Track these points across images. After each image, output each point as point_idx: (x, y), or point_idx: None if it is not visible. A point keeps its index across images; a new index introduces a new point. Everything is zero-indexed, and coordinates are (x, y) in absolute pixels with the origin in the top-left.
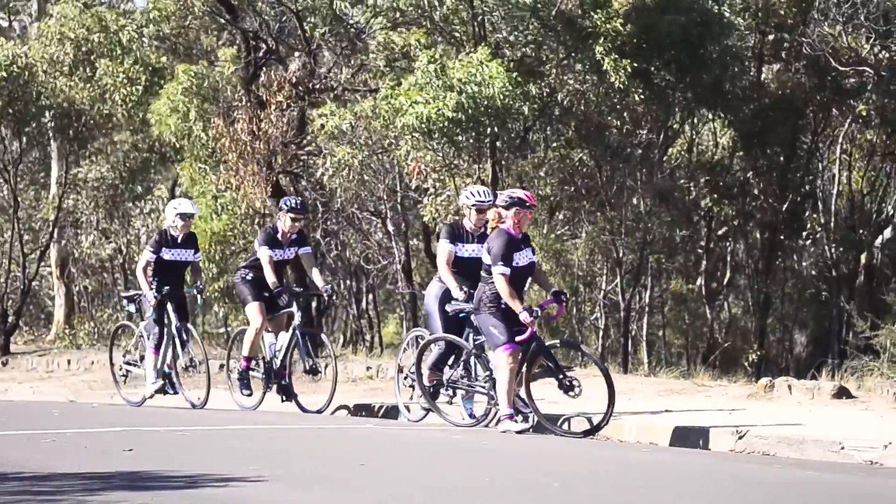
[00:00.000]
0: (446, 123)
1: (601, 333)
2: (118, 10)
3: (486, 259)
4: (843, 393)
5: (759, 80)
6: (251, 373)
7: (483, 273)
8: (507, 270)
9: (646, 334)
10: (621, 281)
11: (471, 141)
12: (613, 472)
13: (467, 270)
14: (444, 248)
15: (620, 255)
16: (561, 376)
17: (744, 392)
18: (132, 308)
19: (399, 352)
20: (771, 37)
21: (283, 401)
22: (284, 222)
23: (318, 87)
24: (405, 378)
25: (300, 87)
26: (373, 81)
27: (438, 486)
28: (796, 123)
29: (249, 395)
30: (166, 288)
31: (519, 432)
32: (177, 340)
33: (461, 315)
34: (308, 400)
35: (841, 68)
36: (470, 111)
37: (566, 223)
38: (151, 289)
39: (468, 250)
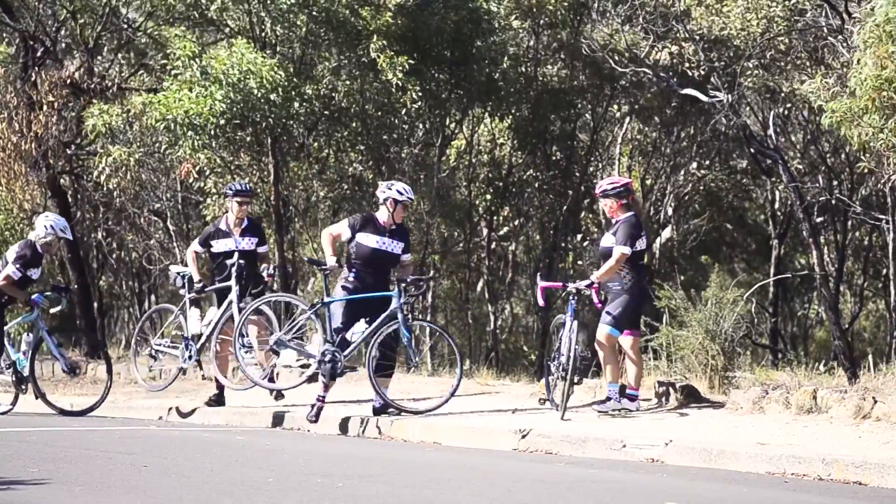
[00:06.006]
0: (219, 120)
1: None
2: None
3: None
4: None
5: (534, 76)
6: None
7: None
8: None
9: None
10: None
11: (248, 139)
12: (396, 471)
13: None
14: (338, 226)
15: None
16: None
17: (526, 391)
18: None
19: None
20: (546, 36)
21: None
22: (232, 207)
23: (94, 87)
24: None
25: (77, 87)
26: (150, 79)
27: (217, 487)
28: (574, 121)
29: None
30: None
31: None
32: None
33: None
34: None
35: (620, 69)
36: (241, 105)
37: None
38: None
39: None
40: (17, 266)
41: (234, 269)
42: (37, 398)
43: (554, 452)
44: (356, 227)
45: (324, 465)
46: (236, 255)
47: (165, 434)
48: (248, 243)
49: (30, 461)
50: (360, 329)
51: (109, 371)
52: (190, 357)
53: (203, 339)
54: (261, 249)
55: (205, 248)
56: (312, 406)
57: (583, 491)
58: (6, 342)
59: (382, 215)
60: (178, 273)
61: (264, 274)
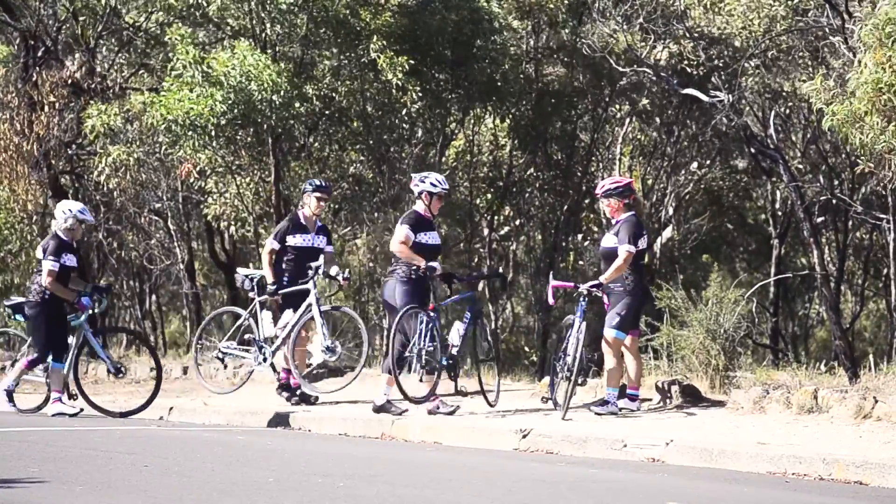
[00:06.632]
0: (220, 121)
1: (385, 334)
2: None
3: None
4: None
5: (535, 76)
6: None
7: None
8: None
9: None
10: None
11: (249, 139)
12: (397, 471)
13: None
14: (402, 232)
15: None
16: None
17: (527, 391)
18: (20, 317)
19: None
20: (546, 36)
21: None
22: (310, 204)
23: (94, 86)
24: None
25: (78, 87)
26: (151, 80)
27: (217, 487)
28: (575, 121)
29: None
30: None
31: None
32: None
33: None
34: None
35: (620, 69)
36: (242, 107)
37: (348, 223)
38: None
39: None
40: (51, 259)
41: (313, 272)
42: (75, 398)
43: (555, 452)
44: (415, 227)
45: (325, 465)
46: (322, 258)
47: (166, 434)
48: (320, 241)
49: (30, 461)
50: (460, 329)
51: (158, 371)
52: (264, 360)
53: (279, 342)
54: (328, 249)
55: (281, 245)
56: (435, 403)
57: (583, 491)
58: None
59: (420, 209)
60: (247, 276)
61: (339, 278)
